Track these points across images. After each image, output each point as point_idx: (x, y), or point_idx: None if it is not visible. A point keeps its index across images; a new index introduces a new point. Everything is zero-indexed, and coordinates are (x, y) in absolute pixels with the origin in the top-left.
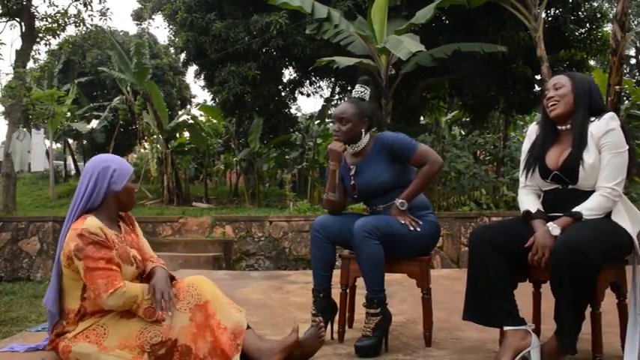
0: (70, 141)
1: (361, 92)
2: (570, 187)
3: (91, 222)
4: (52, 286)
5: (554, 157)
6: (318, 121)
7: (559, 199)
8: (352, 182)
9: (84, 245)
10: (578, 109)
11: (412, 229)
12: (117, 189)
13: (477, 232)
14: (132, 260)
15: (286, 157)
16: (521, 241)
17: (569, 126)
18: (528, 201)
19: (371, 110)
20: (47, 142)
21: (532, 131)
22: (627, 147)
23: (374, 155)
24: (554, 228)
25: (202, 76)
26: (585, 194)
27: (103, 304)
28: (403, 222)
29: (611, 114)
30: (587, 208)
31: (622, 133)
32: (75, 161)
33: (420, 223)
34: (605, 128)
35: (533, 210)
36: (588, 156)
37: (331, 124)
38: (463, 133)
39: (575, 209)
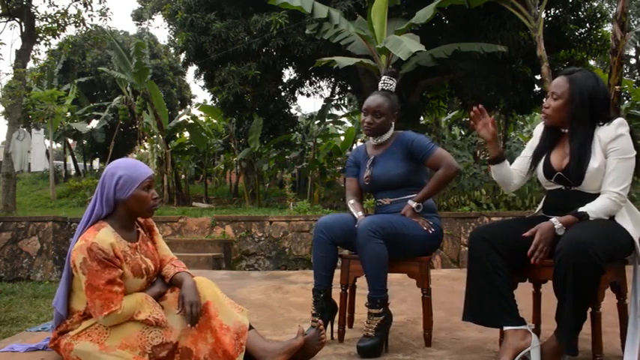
0: (70, 141)
1: (389, 84)
2: (573, 188)
3: (103, 236)
4: (61, 287)
5: (558, 158)
6: (318, 121)
7: (562, 199)
8: (367, 172)
9: (90, 261)
10: (574, 121)
11: (426, 229)
12: (123, 197)
13: (477, 232)
14: (143, 273)
15: (286, 157)
16: (521, 241)
17: (569, 131)
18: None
19: (399, 104)
20: (47, 142)
21: (538, 130)
22: (635, 153)
23: (393, 150)
24: (560, 228)
25: (202, 76)
26: (588, 196)
27: (98, 321)
28: (416, 220)
29: (620, 120)
30: (593, 210)
31: (630, 139)
32: (75, 161)
33: (432, 223)
34: (614, 134)
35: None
36: (593, 160)
37: (362, 115)
38: (463, 133)
39: (581, 209)
